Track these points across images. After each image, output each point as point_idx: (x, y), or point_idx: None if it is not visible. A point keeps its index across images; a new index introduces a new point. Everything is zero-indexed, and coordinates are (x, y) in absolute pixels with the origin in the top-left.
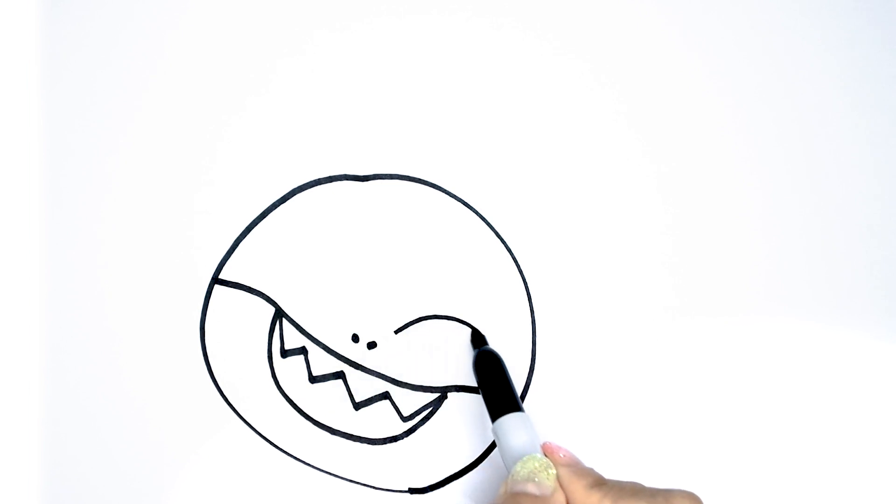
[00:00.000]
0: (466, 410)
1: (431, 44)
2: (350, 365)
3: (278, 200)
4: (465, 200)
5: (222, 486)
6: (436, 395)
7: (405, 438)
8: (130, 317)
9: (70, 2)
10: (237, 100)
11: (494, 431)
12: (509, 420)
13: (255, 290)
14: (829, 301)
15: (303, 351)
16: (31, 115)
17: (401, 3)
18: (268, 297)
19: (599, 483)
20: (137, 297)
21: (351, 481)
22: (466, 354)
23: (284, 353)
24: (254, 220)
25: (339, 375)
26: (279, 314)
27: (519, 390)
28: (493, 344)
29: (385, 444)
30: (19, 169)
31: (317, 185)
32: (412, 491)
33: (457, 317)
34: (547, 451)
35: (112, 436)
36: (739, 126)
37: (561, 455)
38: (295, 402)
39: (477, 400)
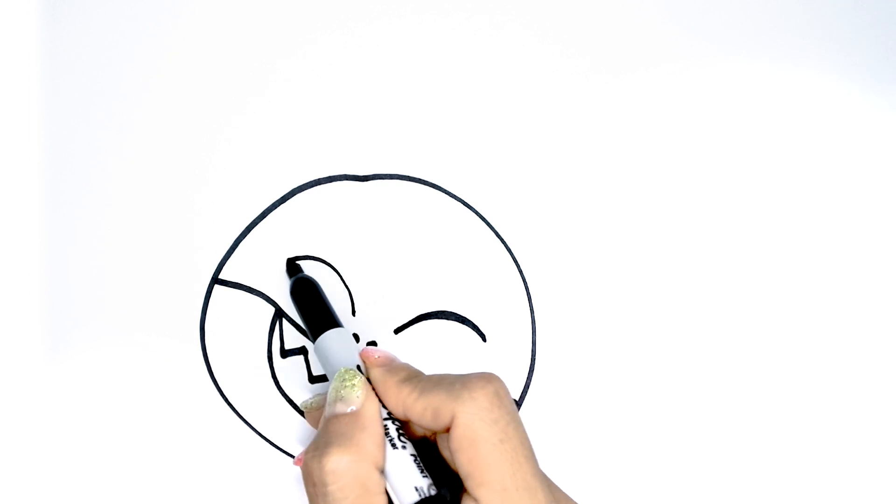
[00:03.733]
0: None
1: (431, 44)
2: None
3: (278, 200)
4: (465, 200)
5: (222, 486)
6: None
7: None
8: (131, 317)
9: (70, 2)
10: (237, 100)
11: (317, 354)
12: (326, 337)
13: (255, 290)
14: (830, 301)
15: (303, 351)
16: (32, 115)
17: (401, 4)
18: (268, 297)
19: (411, 377)
20: (137, 297)
21: None
22: (466, 354)
23: (284, 353)
24: (254, 220)
25: None
26: (279, 314)
27: (519, 390)
28: (493, 344)
29: None
30: (19, 169)
31: (317, 185)
32: None
33: (457, 316)
34: (363, 356)
35: (112, 436)
36: (740, 126)
37: (376, 357)
38: (295, 402)
39: None
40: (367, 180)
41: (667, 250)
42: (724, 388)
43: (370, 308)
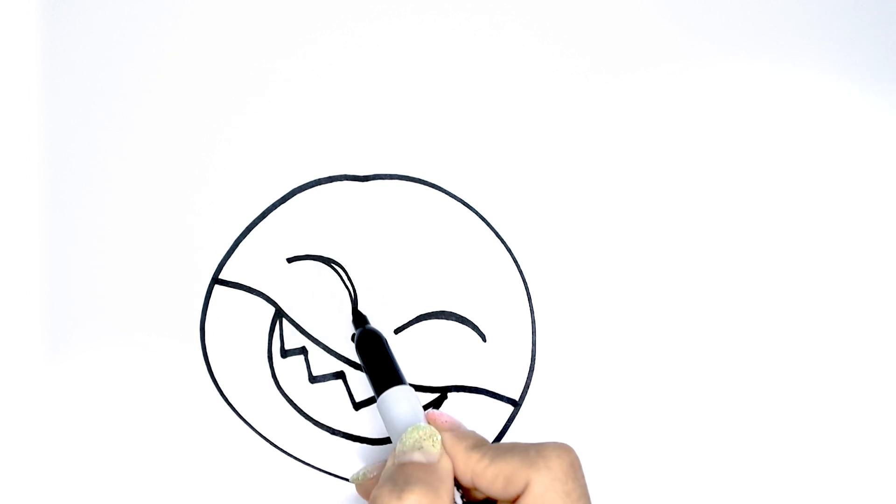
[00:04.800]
0: (466, 410)
1: (431, 44)
2: (350, 365)
3: (278, 200)
4: (465, 200)
5: (222, 486)
6: (436, 396)
7: None
8: (130, 317)
9: (70, 2)
10: (237, 100)
11: (379, 407)
12: (393, 393)
13: (255, 290)
14: (830, 300)
15: (303, 351)
16: (32, 115)
17: (401, 4)
18: (268, 297)
19: (480, 444)
20: (137, 297)
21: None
22: (466, 354)
23: (284, 353)
24: (254, 220)
25: (339, 375)
26: (279, 314)
27: (519, 390)
28: (493, 343)
29: (385, 444)
30: (20, 169)
31: (317, 185)
32: None
33: (457, 316)
34: (430, 419)
35: (112, 435)
36: (740, 126)
37: (443, 421)
38: (295, 402)
39: (478, 400)
40: (367, 180)
41: (667, 250)
42: (724, 387)
43: (371, 308)
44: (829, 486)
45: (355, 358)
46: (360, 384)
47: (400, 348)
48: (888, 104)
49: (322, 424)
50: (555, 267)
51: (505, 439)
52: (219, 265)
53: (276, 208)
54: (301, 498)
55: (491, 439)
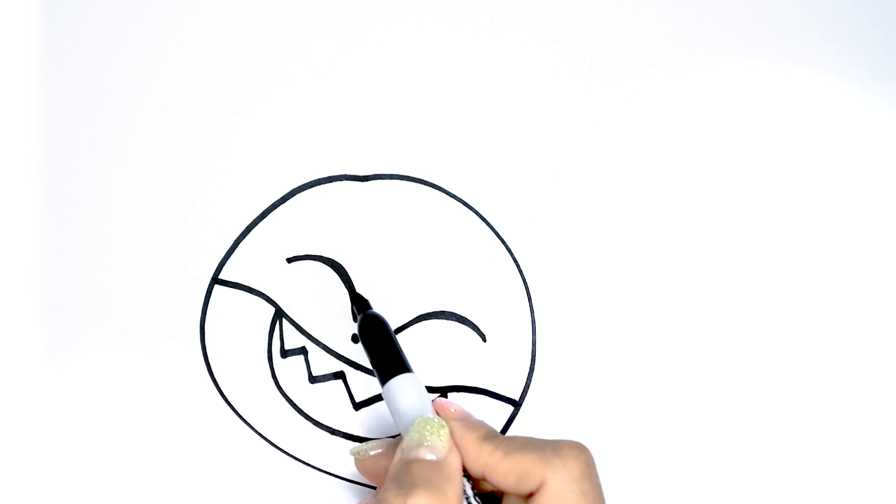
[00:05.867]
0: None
1: (431, 44)
2: (350, 365)
3: (278, 200)
4: (465, 200)
5: (222, 486)
6: (436, 396)
7: None
8: (131, 317)
9: (70, 2)
10: (237, 100)
11: (385, 396)
12: (398, 382)
13: (255, 290)
14: (830, 300)
15: (303, 351)
16: (32, 114)
17: (401, 4)
18: (268, 297)
19: (491, 435)
20: (137, 297)
21: (351, 481)
22: (466, 354)
23: (284, 353)
24: (254, 220)
25: (339, 375)
26: (279, 314)
27: (519, 390)
28: (493, 343)
29: None
30: (19, 169)
31: (317, 185)
32: None
33: (457, 316)
34: (438, 408)
35: (112, 436)
36: (740, 126)
37: (452, 410)
38: (295, 402)
39: (478, 400)
40: (367, 180)
41: (667, 250)
42: (724, 388)
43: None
44: (829, 484)
45: (355, 358)
46: (360, 384)
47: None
48: (888, 104)
49: (322, 424)
50: (555, 267)
51: None
52: (219, 265)
53: (276, 208)
54: (301, 498)
55: None
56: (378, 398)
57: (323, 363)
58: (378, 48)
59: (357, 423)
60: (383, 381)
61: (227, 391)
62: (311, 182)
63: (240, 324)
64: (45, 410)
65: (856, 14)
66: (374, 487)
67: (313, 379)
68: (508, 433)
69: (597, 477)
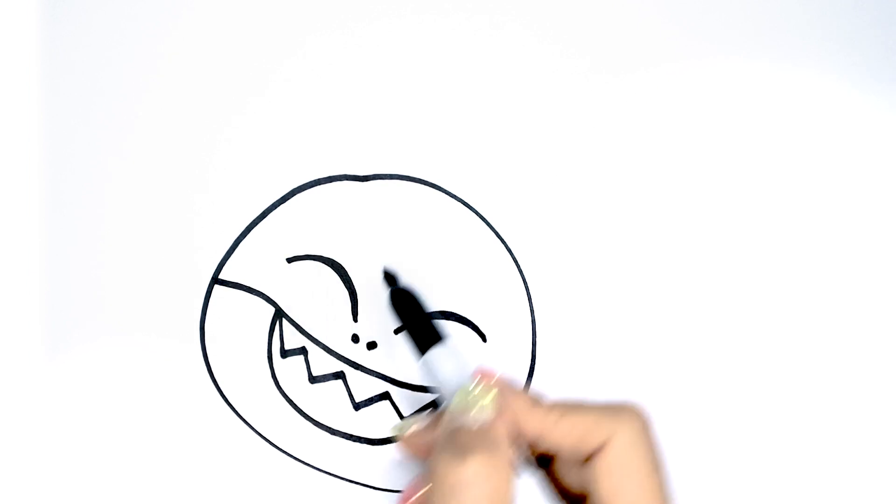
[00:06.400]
0: None
1: (431, 44)
2: (350, 365)
3: (278, 200)
4: (465, 200)
5: (222, 486)
6: (436, 396)
7: None
8: (131, 317)
9: (70, 2)
10: (237, 100)
11: (423, 368)
12: (436, 353)
13: (255, 290)
14: (830, 300)
15: (303, 351)
16: (32, 114)
17: (401, 4)
18: (268, 297)
19: (539, 400)
20: (137, 297)
21: (351, 481)
22: (468, 351)
23: (284, 353)
24: (254, 220)
25: (339, 375)
26: (279, 314)
27: None
28: (493, 343)
29: (385, 444)
30: (20, 169)
31: (317, 185)
32: None
33: (457, 316)
34: (482, 375)
35: (112, 436)
36: (740, 126)
37: (495, 378)
38: (295, 402)
39: None
40: (367, 180)
41: (667, 250)
42: (724, 387)
43: (371, 308)
44: (829, 484)
45: (355, 358)
46: (360, 384)
47: (400, 348)
48: (888, 104)
49: (322, 424)
50: (555, 267)
51: None
52: (219, 265)
53: (276, 208)
54: (301, 498)
55: None
56: (378, 398)
57: (323, 363)
58: (378, 48)
59: (357, 423)
60: (422, 353)
61: (227, 391)
62: (311, 182)
63: (240, 324)
64: (46, 410)
65: (856, 14)
66: (374, 487)
67: (313, 379)
68: None
69: (656, 437)
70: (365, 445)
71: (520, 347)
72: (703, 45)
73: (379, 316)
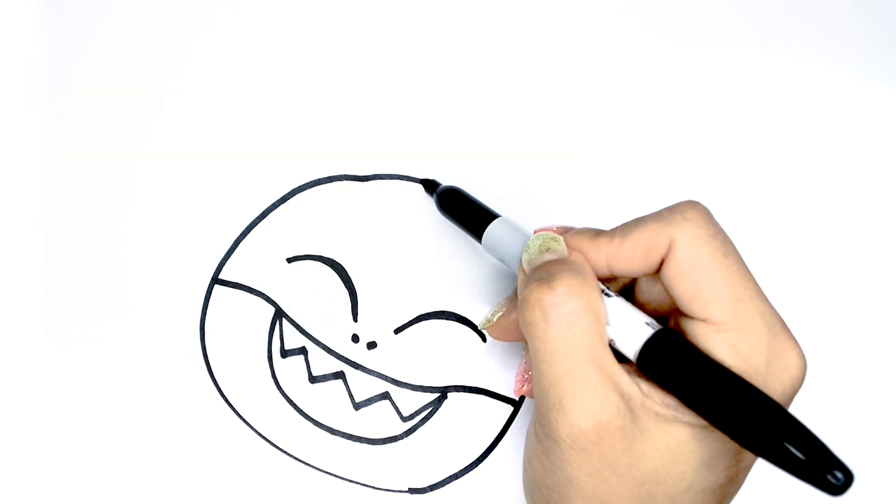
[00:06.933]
0: (466, 410)
1: (431, 44)
2: (350, 365)
3: (278, 200)
4: None
5: (222, 486)
6: (436, 395)
7: (405, 438)
8: (130, 317)
9: (70, 2)
10: (238, 100)
11: (487, 245)
12: (494, 227)
13: (255, 290)
14: (830, 300)
15: (303, 351)
16: (32, 115)
17: (401, 4)
18: (268, 297)
19: (599, 232)
20: (137, 298)
21: (351, 481)
22: (466, 354)
23: (284, 353)
24: (254, 220)
25: (339, 375)
26: (279, 314)
27: None
28: (493, 343)
29: (385, 444)
30: (20, 169)
31: (317, 185)
32: (412, 491)
33: (457, 317)
34: (543, 229)
35: (112, 435)
36: (740, 126)
37: (555, 228)
38: (295, 402)
39: (477, 400)
40: (367, 180)
41: None
42: None
43: (371, 308)
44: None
45: (355, 358)
46: (360, 384)
47: (400, 348)
48: (888, 104)
49: (322, 424)
50: None
51: (505, 439)
52: (219, 265)
53: (276, 208)
54: (301, 498)
55: (491, 439)
56: (378, 398)
57: (323, 363)
58: (378, 48)
59: (357, 423)
60: (480, 235)
61: (227, 391)
62: (311, 182)
63: (240, 324)
64: (45, 410)
65: (856, 14)
66: (374, 487)
67: (313, 379)
68: (508, 433)
69: (717, 225)
70: (365, 445)
71: (520, 347)
72: (704, 44)
73: (379, 316)
